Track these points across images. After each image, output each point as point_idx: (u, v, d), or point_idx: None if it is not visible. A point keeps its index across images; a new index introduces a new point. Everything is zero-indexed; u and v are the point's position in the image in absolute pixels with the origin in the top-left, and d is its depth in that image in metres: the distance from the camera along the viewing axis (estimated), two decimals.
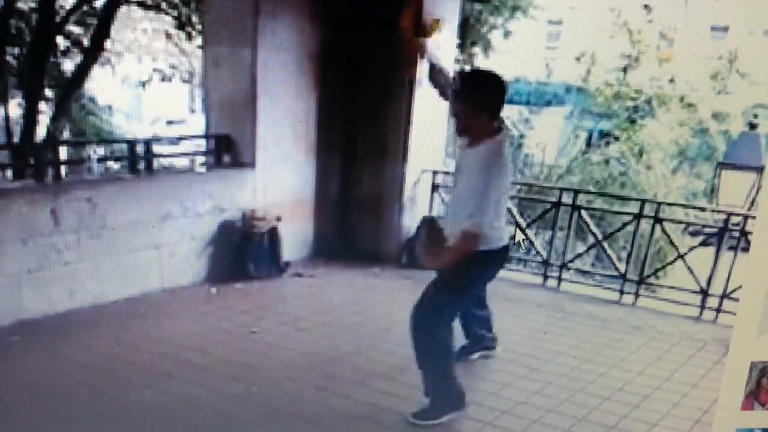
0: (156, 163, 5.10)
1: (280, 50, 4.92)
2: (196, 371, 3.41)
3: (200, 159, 5.05)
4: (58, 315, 3.88)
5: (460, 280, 3.02)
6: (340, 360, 3.69)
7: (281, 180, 5.11)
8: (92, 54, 6.87)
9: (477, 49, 9.86)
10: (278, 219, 4.91)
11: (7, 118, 6.45)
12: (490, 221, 2.95)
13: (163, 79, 12.42)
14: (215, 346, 3.72)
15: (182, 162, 5.11)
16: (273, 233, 4.90)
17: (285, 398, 3.23)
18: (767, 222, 1.41)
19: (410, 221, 5.43)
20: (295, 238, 5.13)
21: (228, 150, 4.92)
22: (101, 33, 7.24)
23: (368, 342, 3.96)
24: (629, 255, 5.36)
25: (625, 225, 5.84)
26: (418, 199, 5.51)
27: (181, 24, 9.06)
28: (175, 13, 9.00)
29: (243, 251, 4.78)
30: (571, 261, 5.43)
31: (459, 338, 3.48)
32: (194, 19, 8.48)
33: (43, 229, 3.82)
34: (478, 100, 2.96)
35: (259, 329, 4.01)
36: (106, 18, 7.45)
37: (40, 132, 6.69)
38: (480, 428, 3.09)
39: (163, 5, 9.10)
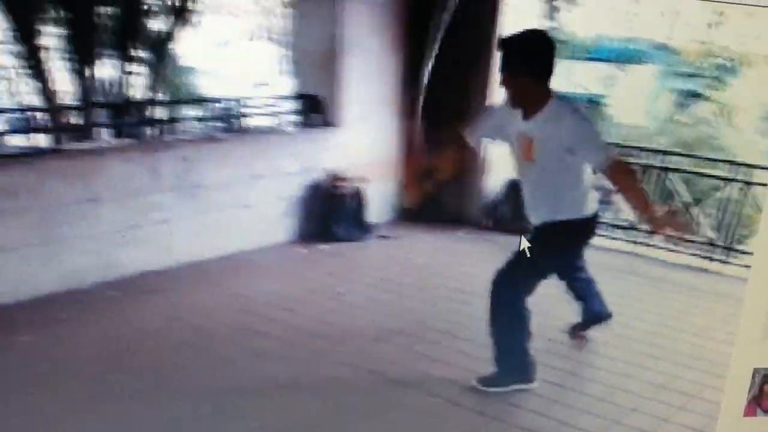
0: (246, 123, 5.08)
1: (368, 6, 4.77)
2: (283, 329, 3.40)
3: (288, 119, 4.99)
4: (154, 272, 3.93)
5: (545, 249, 2.84)
6: (422, 322, 3.61)
7: (366, 140, 5.00)
8: (183, 15, 6.86)
9: (561, 2, 9.41)
10: (363, 180, 4.82)
11: (105, 79, 6.54)
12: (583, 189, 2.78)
13: (251, 39, 12.42)
14: (302, 306, 3.70)
15: (271, 122, 5.05)
16: (358, 194, 4.84)
17: (368, 358, 3.19)
18: None
19: (494, 184, 5.29)
20: (379, 199, 5.04)
21: (315, 110, 4.86)
22: None
23: (451, 305, 3.87)
24: (720, 221, 5.07)
25: (715, 189, 5.52)
26: (502, 161, 5.31)
27: None
28: None
29: (329, 212, 4.73)
30: None
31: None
32: None
33: (141, 187, 3.85)
34: (528, 64, 2.67)
35: (345, 290, 3.97)
36: None
37: (136, 92, 6.77)
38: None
39: None
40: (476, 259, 4.54)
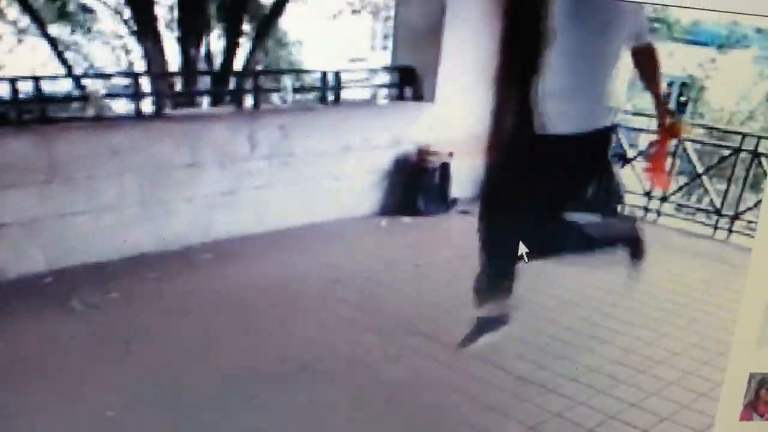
0: (342, 95, 5.11)
1: None
2: (363, 297, 3.44)
3: (383, 92, 4.98)
4: (245, 237, 4.04)
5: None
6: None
7: (458, 114, 4.92)
8: None
9: None
10: (450, 155, 4.77)
11: (209, 48, 6.74)
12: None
13: (354, 12, 12.43)
14: (381, 276, 3.73)
15: (365, 95, 5.07)
16: (444, 169, 4.80)
17: (442, 329, 3.20)
18: (766, 237, 1.37)
19: None
20: (465, 174, 4.97)
21: (410, 83, 4.81)
22: None
23: (527, 283, 3.77)
24: None
25: None
26: None
27: None
28: None
29: (414, 186, 4.71)
30: (743, 212, 4.94)
31: None
32: None
33: (238, 154, 3.95)
34: None
35: (423, 263, 3.96)
36: None
37: (238, 63, 6.94)
38: None
39: None
40: None
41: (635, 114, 5.22)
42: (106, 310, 3.20)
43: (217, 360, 2.80)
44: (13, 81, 3.54)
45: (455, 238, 4.48)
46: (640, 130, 5.33)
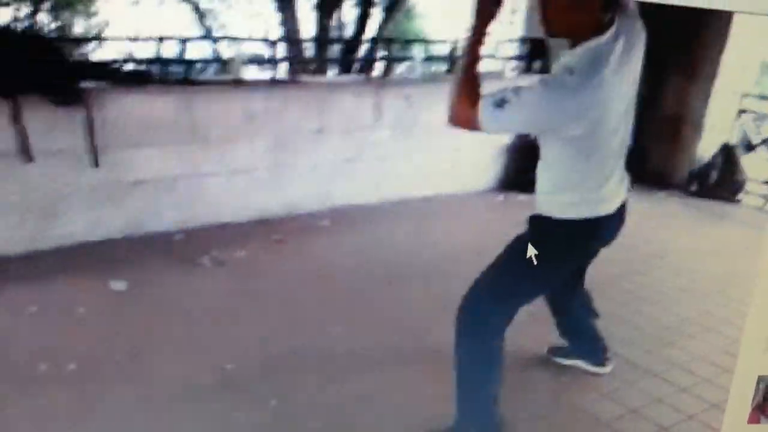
0: None
1: None
2: (469, 271, 3.35)
3: (511, 64, 4.81)
4: (364, 206, 4.06)
5: (523, 255, 2.01)
6: (609, 280, 3.37)
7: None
8: None
9: None
10: None
11: (341, 17, 6.79)
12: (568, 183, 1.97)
13: None
14: (490, 251, 3.62)
15: (494, 67, 4.94)
16: None
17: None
18: None
19: (707, 147, 4.87)
20: None
21: (540, 56, 4.61)
22: None
23: (638, 266, 3.63)
24: None
25: None
26: (718, 124, 4.80)
27: None
28: None
29: (530, 164, 4.52)
30: None
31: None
32: None
33: (364, 123, 3.94)
34: None
35: None
36: None
37: (369, 32, 6.95)
38: None
39: None
40: (673, 223, 4.34)
41: (762, 98, 4.82)
42: (232, 267, 3.29)
43: (324, 323, 2.82)
44: (159, 40, 3.67)
45: None
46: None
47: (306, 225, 3.78)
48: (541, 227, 2.05)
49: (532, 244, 2.02)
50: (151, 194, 3.54)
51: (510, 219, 4.06)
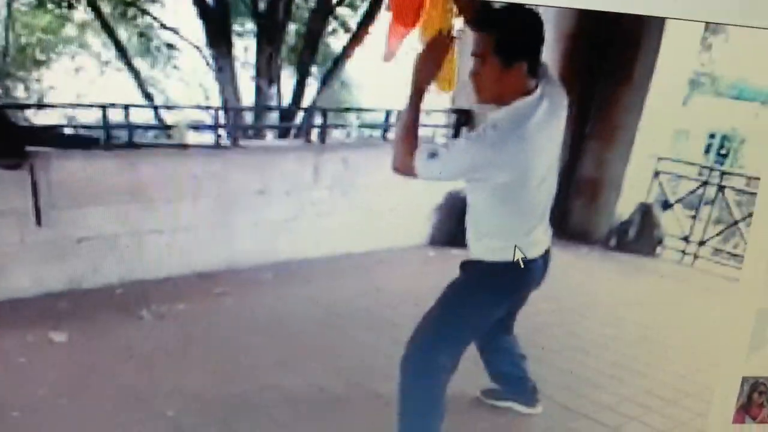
0: None
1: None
2: (411, 319, 3.49)
3: (440, 132, 5.11)
4: (305, 260, 4.18)
5: (460, 297, 2.24)
6: (541, 328, 3.60)
7: None
8: (358, 36, 7.21)
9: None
10: None
11: (279, 87, 7.03)
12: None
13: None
14: (427, 301, 3.78)
15: (426, 133, 5.21)
16: None
17: None
18: (757, 244, 1.35)
19: (624, 206, 5.22)
20: None
21: (466, 124, 4.92)
22: (370, 17, 7.55)
23: (567, 316, 3.86)
24: None
25: None
26: (636, 185, 5.19)
27: None
28: None
29: (459, 222, 4.76)
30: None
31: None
32: None
33: (303, 183, 4.11)
34: (501, 47, 1.96)
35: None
36: (376, 3, 7.76)
37: (306, 100, 7.20)
38: None
39: None
40: (595, 276, 4.60)
41: (677, 161, 5.26)
42: (172, 319, 3.34)
43: (266, 370, 2.90)
44: (103, 107, 3.78)
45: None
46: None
47: (248, 279, 3.87)
48: (473, 270, 2.23)
49: (466, 286, 2.23)
50: (93, 251, 3.58)
51: (442, 270, 4.26)
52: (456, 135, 4.94)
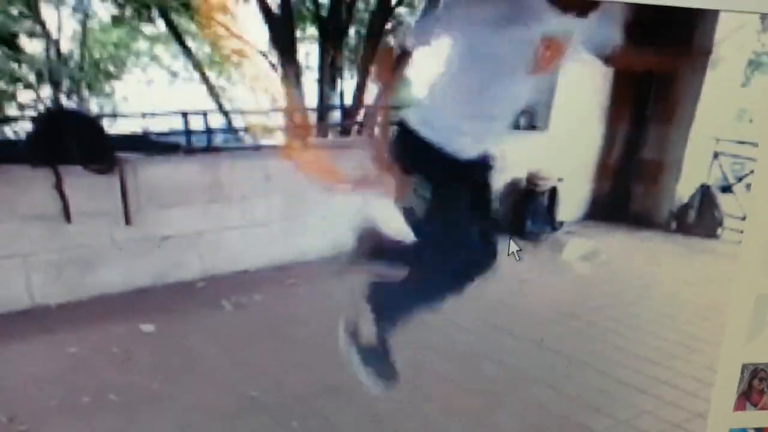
0: None
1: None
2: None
3: None
4: None
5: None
6: (600, 310, 3.68)
7: (569, 143, 5.03)
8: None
9: None
10: (559, 180, 4.87)
11: (341, 87, 7.19)
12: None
13: None
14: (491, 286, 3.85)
15: None
16: (552, 193, 4.94)
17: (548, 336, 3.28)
18: (755, 229, 1.36)
19: (684, 189, 5.18)
20: (573, 199, 5.04)
21: (525, 113, 4.95)
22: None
23: (628, 297, 3.91)
24: None
25: None
26: (696, 167, 5.12)
27: None
28: None
29: (523, 208, 4.82)
30: None
31: None
32: None
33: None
34: None
35: (527, 278, 4.12)
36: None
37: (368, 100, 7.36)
38: None
39: None
40: (656, 259, 4.61)
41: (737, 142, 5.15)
42: (251, 308, 3.54)
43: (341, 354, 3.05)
44: (184, 114, 4.02)
45: (559, 257, 4.62)
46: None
47: (317, 270, 4.03)
48: None
49: None
50: (177, 248, 3.82)
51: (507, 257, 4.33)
52: (516, 124, 4.97)
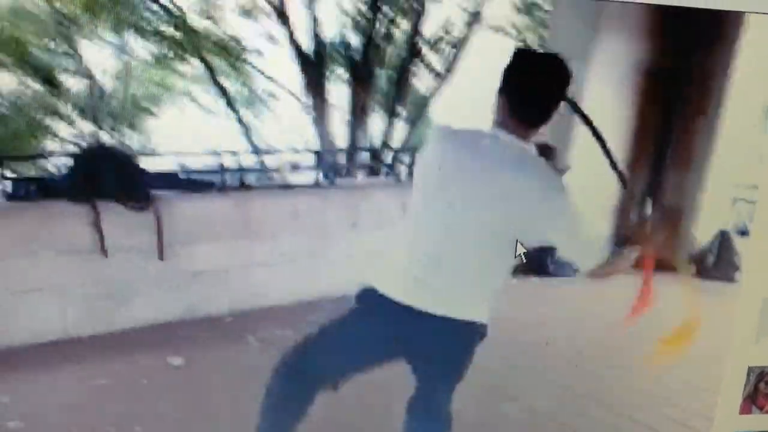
0: None
1: (612, 65, 4.84)
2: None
3: None
4: None
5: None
6: (620, 349, 3.63)
7: (591, 184, 5.01)
8: (443, 78, 7.48)
9: None
10: None
11: (369, 129, 7.35)
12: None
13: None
14: (510, 325, 3.83)
15: None
16: None
17: (574, 376, 3.31)
18: (762, 232, 1.38)
19: (702, 234, 5.21)
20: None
21: (546, 155, 4.98)
22: (455, 60, 7.77)
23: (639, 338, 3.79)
24: None
25: None
26: (714, 212, 5.11)
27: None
28: (522, 36, 9.16)
29: (543, 249, 4.79)
30: None
31: None
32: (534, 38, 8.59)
33: (392, 218, 4.30)
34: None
35: (546, 323, 4.11)
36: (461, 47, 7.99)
37: (394, 141, 7.48)
38: None
39: (511, 30, 9.28)
40: (672, 302, 4.41)
41: (754, 187, 5.14)
42: (274, 344, 3.58)
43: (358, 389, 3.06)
44: (216, 153, 4.15)
45: (581, 297, 4.55)
46: None
47: (342, 306, 4.06)
48: None
49: None
50: (207, 283, 3.91)
51: (526, 299, 4.34)
52: None
